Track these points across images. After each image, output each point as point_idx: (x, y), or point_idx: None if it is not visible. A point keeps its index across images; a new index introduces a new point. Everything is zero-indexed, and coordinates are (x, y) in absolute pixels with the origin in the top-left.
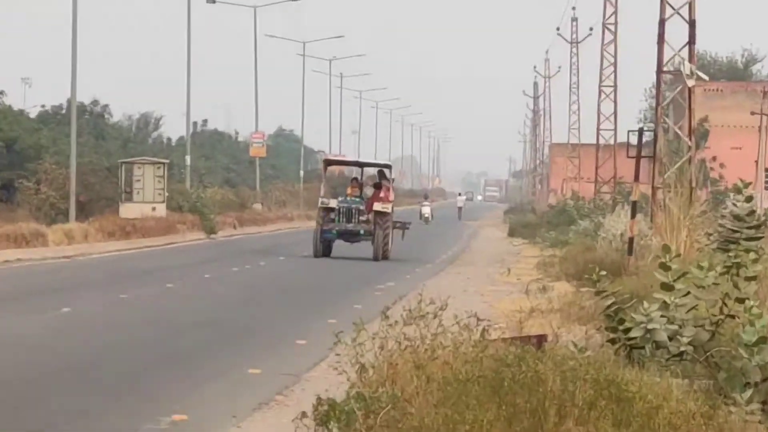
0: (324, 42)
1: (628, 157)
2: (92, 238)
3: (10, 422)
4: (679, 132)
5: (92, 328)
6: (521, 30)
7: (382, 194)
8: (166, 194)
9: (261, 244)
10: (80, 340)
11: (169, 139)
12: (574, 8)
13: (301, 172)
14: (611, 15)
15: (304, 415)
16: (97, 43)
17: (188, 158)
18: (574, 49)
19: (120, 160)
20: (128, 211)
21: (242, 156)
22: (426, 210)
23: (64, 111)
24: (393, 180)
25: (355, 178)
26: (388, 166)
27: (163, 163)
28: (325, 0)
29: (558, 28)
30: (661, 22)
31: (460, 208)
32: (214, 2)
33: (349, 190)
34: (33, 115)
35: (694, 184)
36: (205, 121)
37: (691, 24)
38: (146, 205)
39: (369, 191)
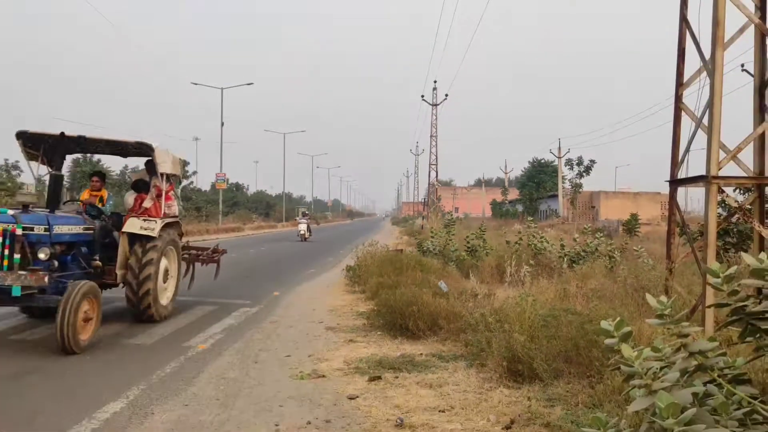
0: None
1: None
2: None
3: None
4: None
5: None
6: None
7: (148, 203)
8: None
9: None
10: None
11: None
12: None
13: None
14: None
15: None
16: None
17: None
18: None
19: None
20: None
21: None
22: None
23: None
24: (173, 178)
25: (98, 173)
26: (146, 149)
27: None
28: None
29: None
30: None
31: None
32: None
33: (85, 195)
34: None
35: None
36: None
37: None
38: None
39: (130, 199)
